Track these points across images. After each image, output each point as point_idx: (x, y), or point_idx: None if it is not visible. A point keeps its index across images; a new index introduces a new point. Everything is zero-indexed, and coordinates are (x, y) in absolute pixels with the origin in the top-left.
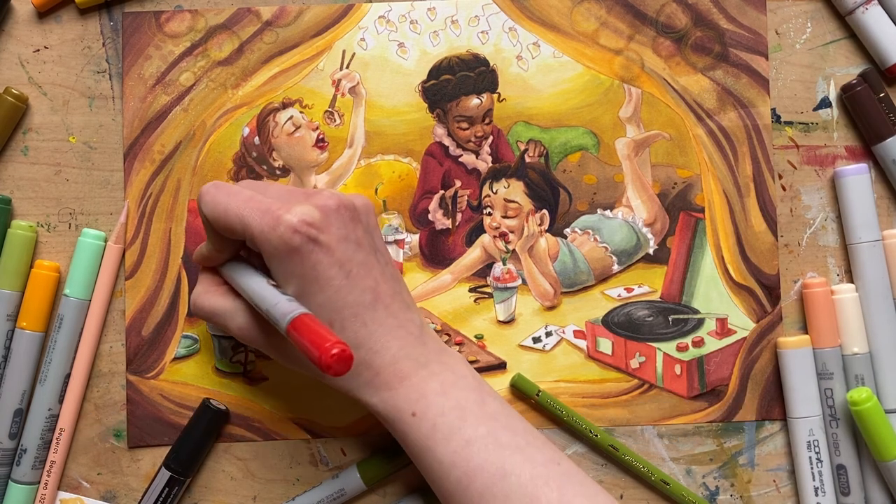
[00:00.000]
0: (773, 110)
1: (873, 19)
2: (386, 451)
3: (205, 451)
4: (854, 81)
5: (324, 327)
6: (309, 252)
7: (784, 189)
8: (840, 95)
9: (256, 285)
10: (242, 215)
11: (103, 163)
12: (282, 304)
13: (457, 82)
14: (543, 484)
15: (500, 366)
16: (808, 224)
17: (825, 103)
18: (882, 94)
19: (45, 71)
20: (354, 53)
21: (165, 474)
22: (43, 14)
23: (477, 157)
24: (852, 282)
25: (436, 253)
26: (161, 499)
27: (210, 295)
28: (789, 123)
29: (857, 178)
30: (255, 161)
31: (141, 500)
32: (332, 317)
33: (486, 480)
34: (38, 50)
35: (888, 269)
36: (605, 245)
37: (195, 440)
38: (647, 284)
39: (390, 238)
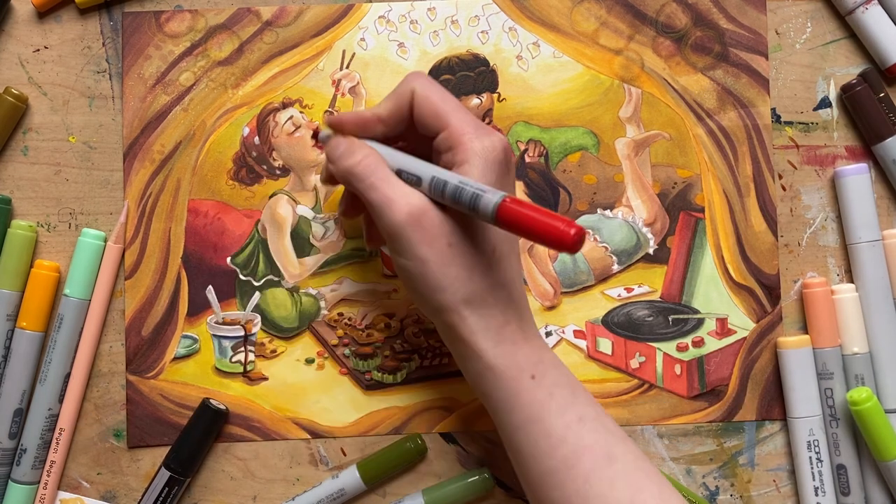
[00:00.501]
0: (774, 110)
1: (873, 19)
2: (386, 450)
3: (204, 451)
4: (854, 81)
5: (538, 207)
6: (506, 168)
7: (784, 189)
8: (840, 95)
9: (438, 170)
10: (460, 112)
11: (103, 163)
12: (487, 189)
13: (457, 82)
14: (645, 476)
15: None
16: (808, 224)
17: (825, 103)
18: (882, 94)
19: (45, 71)
20: (354, 53)
21: (165, 474)
22: (43, 14)
23: None
24: (852, 282)
25: None
26: (161, 499)
27: (383, 165)
28: (789, 123)
29: (857, 178)
30: (254, 161)
31: (141, 499)
32: (500, 246)
33: (595, 462)
34: (38, 50)
35: (888, 269)
36: (605, 245)
37: (195, 440)
38: (647, 284)
39: None
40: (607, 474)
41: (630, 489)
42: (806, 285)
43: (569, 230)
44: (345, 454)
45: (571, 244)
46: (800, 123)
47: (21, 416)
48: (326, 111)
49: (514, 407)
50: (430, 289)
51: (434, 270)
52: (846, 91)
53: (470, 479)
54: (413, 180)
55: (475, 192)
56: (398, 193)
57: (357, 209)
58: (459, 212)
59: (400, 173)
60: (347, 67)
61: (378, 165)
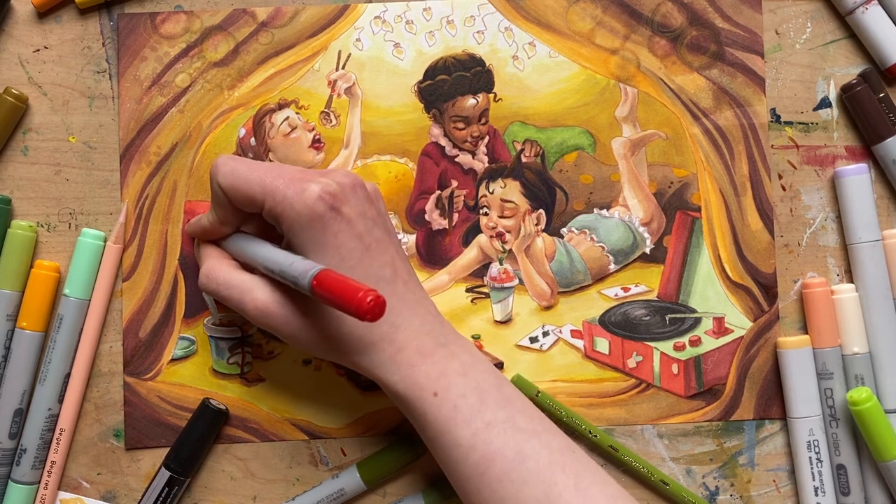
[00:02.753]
0: (773, 110)
1: (873, 19)
2: (386, 450)
3: (204, 451)
4: (854, 81)
5: (348, 278)
6: (332, 220)
7: (784, 189)
8: (840, 95)
9: (269, 250)
10: (265, 183)
11: (103, 163)
12: (298, 263)
13: (453, 82)
14: (560, 470)
15: (498, 366)
16: (808, 224)
17: (825, 103)
18: (882, 94)
19: (45, 71)
20: (350, 54)
21: (165, 474)
22: (43, 14)
23: (473, 158)
24: (852, 282)
25: (432, 253)
26: (161, 499)
27: (224, 268)
28: (789, 123)
29: (857, 179)
30: None
31: (141, 500)
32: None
33: (505, 465)
34: (38, 50)
35: (888, 269)
36: (601, 244)
37: (195, 440)
38: (644, 284)
39: None
40: (518, 474)
41: (543, 485)
42: (806, 285)
43: (365, 298)
44: (345, 454)
45: (367, 311)
46: (800, 123)
47: (21, 416)
48: (322, 112)
49: (423, 423)
50: (319, 353)
51: (309, 344)
52: (846, 91)
53: None
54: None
55: (292, 278)
56: (244, 291)
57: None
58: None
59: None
60: (343, 68)
61: (219, 272)
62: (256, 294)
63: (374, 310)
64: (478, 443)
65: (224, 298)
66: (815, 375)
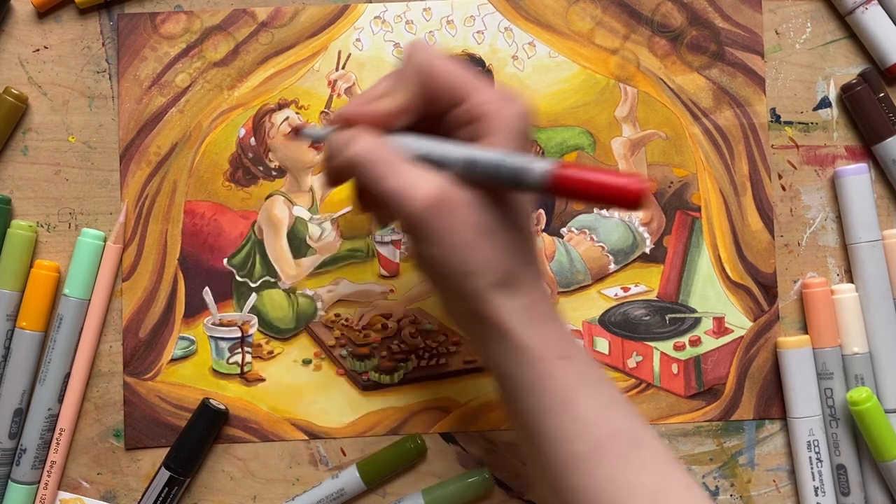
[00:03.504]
0: (773, 110)
1: (873, 19)
2: (386, 450)
3: (204, 451)
4: (854, 81)
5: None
6: (528, 133)
7: (784, 189)
8: (840, 95)
9: (460, 145)
10: (470, 78)
11: (103, 163)
12: (514, 156)
13: None
14: (672, 464)
15: None
16: (808, 224)
17: (825, 103)
18: (882, 94)
19: (45, 71)
20: (350, 54)
21: (165, 474)
22: (43, 14)
23: None
24: (852, 282)
25: None
26: (161, 499)
27: (390, 148)
28: (789, 123)
29: (857, 178)
30: (251, 162)
31: (141, 500)
32: (527, 221)
33: (623, 447)
34: (38, 50)
35: (888, 269)
36: (601, 244)
37: (194, 440)
38: (644, 284)
39: (387, 238)
40: (635, 460)
41: (657, 475)
42: (806, 285)
43: (630, 184)
44: (345, 454)
45: (633, 199)
46: (799, 123)
47: (21, 416)
48: (322, 112)
49: (542, 389)
50: (458, 275)
51: (462, 256)
52: (846, 91)
53: (470, 479)
54: (435, 163)
55: (520, 164)
56: (414, 180)
57: (374, 202)
58: (485, 189)
59: (419, 158)
60: (343, 68)
61: (386, 152)
62: (430, 183)
63: (640, 193)
64: (600, 420)
65: (381, 185)
66: (815, 375)
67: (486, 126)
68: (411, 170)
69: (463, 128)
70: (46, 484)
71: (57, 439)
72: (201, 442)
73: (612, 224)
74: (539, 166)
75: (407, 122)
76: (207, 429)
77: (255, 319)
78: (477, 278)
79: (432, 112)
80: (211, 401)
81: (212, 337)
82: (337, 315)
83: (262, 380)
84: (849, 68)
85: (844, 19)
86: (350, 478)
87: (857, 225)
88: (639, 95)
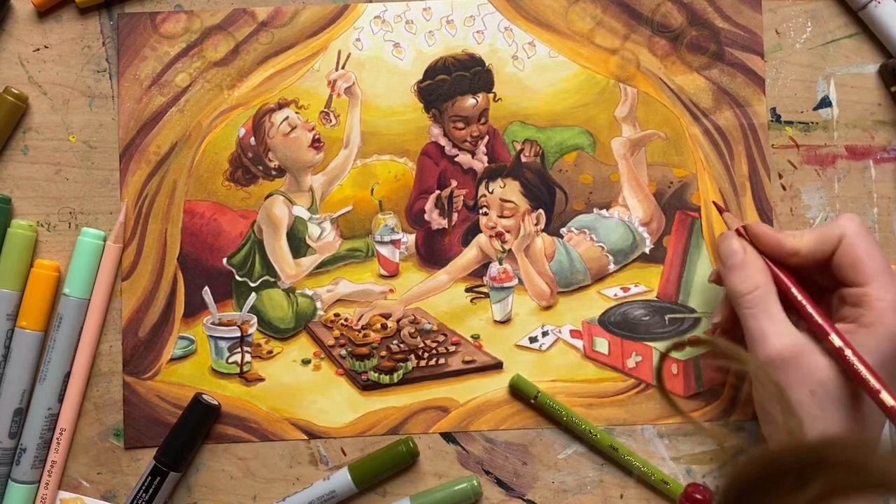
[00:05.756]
0: (773, 110)
1: (887, 13)
2: (378, 454)
3: (196, 446)
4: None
5: None
6: None
7: (784, 189)
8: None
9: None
10: (883, 267)
11: (103, 162)
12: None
13: (452, 82)
14: None
15: (497, 366)
16: (808, 224)
17: (825, 103)
18: (894, 89)
19: (45, 70)
20: (350, 54)
21: (154, 466)
22: (43, 14)
23: (473, 157)
24: None
25: (432, 253)
26: (144, 488)
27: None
28: (789, 123)
29: None
30: (250, 161)
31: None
32: (869, 413)
33: None
34: (38, 49)
35: None
36: (601, 244)
37: (185, 433)
38: (644, 284)
39: (386, 238)
40: None
41: None
42: None
43: None
44: (345, 454)
45: None
46: (800, 123)
47: (21, 415)
48: (322, 112)
49: None
50: (774, 425)
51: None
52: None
53: (458, 487)
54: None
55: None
56: (775, 330)
57: (733, 321)
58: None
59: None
60: (343, 68)
61: (766, 297)
62: (786, 339)
63: None
64: None
65: (748, 322)
66: None
67: (869, 319)
68: (777, 319)
69: (849, 306)
70: (47, 483)
71: (57, 439)
72: (192, 436)
73: (611, 224)
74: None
75: (799, 264)
76: (199, 423)
77: (254, 319)
78: (790, 435)
79: (828, 271)
80: (203, 395)
81: (211, 336)
82: (336, 315)
83: (262, 379)
84: (849, 67)
85: (845, 19)
86: (342, 480)
87: None
88: (639, 95)
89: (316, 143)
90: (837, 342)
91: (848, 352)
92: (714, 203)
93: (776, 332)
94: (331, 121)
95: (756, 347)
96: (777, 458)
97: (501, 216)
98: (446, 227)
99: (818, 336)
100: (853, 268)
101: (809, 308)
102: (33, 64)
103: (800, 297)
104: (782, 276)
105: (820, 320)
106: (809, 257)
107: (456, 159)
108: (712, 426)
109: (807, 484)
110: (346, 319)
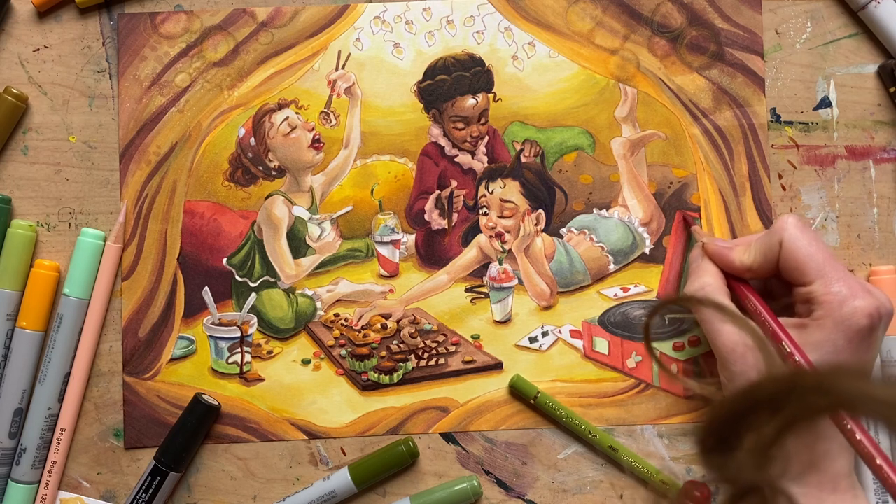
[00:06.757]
0: (773, 110)
1: (887, 13)
2: (378, 454)
3: (196, 446)
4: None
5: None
6: (865, 334)
7: (784, 189)
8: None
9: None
10: (826, 267)
11: (103, 162)
12: None
13: (452, 82)
14: None
15: (497, 366)
16: (808, 224)
17: (825, 103)
18: (893, 90)
19: (45, 70)
20: (350, 54)
21: (154, 467)
22: (43, 14)
23: (473, 158)
24: None
25: (432, 253)
26: (144, 488)
27: (721, 295)
28: (789, 123)
29: None
30: (250, 162)
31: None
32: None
33: None
34: (38, 49)
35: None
36: (601, 245)
37: (185, 433)
38: (644, 284)
39: (386, 238)
40: None
41: None
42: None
43: None
44: (345, 454)
45: None
46: (800, 123)
47: (21, 415)
48: (322, 112)
49: None
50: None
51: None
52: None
53: (458, 487)
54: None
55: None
56: (724, 327)
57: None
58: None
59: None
60: (343, 68)
61: (714, 295)
62: (734, 336)
63: None
64: None
65: (703, 320)
66: None
67: (821, 313)
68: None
69: (801, 304)
70: (47, 484)
71: (57, 439)
72: (192, 436)
73: (611, 224)
74: None
75: (754, 277)
76: (199, 423)
77: (254, 319)
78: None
79: (779, 276)
80: (203, 395)
81: (211, 337)
82: (336, 315)
83: (262, 379)
84: (849, 68)
85: (845, 19)
86: (341, 480)
87: None
88: (638, 96)
89: (316, 144)
90: (788, 348)
91: (798, 356)
92: (683, 216)
93: (728, 330)
94: (331, 121)
95: (710, 341)
96: (752, 390)
97: (501, 216)
98: (446, 227)
99: (773, 341)
100: (797, 270)
101: (765, 314)
102: (33, 64)
103: (757, 304)
104: (741, 287)
105: (774, 326)
106: (762, 270)
107: (456, 159)
108: (703, 385)
109: (780, 411)
110: (346, 320)
